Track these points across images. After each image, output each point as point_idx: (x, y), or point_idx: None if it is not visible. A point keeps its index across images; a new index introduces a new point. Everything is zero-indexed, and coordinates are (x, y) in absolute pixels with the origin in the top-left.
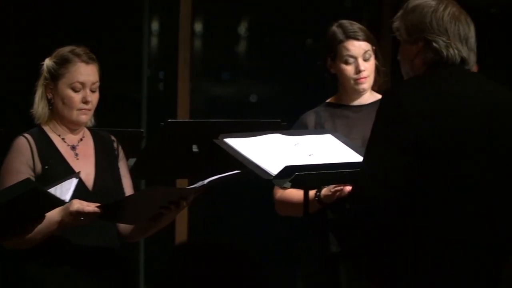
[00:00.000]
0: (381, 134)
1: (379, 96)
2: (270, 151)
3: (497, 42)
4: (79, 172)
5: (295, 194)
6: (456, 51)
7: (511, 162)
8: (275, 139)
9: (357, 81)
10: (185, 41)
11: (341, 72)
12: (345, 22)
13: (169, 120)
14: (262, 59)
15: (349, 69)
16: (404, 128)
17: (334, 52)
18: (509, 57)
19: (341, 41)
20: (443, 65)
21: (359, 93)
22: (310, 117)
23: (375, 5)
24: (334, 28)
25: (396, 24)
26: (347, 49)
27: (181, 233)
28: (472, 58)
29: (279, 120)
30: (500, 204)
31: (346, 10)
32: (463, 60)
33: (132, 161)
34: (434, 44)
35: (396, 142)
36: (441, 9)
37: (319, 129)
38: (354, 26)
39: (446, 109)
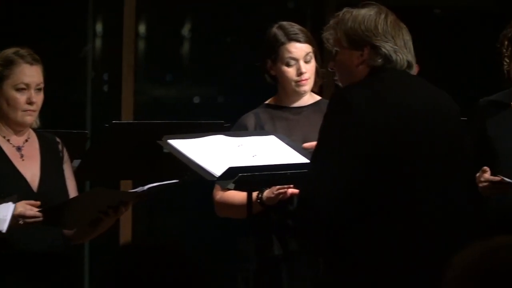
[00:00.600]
0: (331, 138)
1: (318, 98)
2: (213, 152)
3: (440, 42)
4: (15, 197)
5: (236, 196)
6: (403, 56)
7: (455, 163)
8: (218, 140)
9: (298, 83)
10: (129, 43)
11: (282, 74)
12: (285, 23)
13: (113, 121)
14: (206, 61)
15: (291, 71)
16: (356, 133)
17: (275, 54)
18: (452, 56)
19: (283, 43)
20: (388, 70)
21: (300, 95)
22: (249, 119)
23: (318, 6)
24: (275, 29)
25: (328, 34)
26: (289, 51)
27: (126, 235)
28: (414, 63)
29: (222, 121)
30: (446, 204)
31: (290, 11)
32: (409, 64)
33: (77, 162)
34: (383, 50)
35: (347, 147)
36: (383, 16)
37: (262, 131)
38: (295, 28)
39: (394, 113)
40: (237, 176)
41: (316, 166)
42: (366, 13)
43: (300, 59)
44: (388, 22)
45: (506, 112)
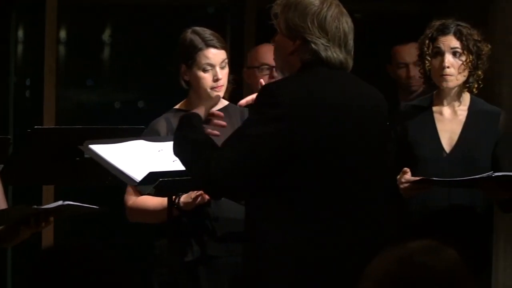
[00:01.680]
0: (253, 126)
1: (226, 103)
2: (134, 157)
3: (360, 47)
4: None
5: (149, 201)
6: (334, 55)
7: (379, 162)
8: (139, 145)
9: (214, 89)
10: (51, 48)
11: (198, 80)
12: (199, 29)
13: (35, 126)
14: (126, 66)
15: (207, 77)
16: (279, 126)
17: (191, 59)
18: (372, 62)
19: (201, 49)
20: (319, 65)
21: (213, 100)
22: (161, 124)
23: (238, 11)
24: (190, 35)
25: (275, 10)
26: (207, 57)
27: (48, 239)
28: (349, 62)
29: (143, 126)
30: (369, 203)
31: (209, 16)
32: (341, 63)
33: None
34: (313, 46)
35: (268, 137)
36: (325, 9)
37: None
38: (210, 34)
39: (320, 109)
40: (158, 181)
41: (229, 145)
42: (309, 4)
43: (217, 65)
44: (328, 16)
45: (426, 117)
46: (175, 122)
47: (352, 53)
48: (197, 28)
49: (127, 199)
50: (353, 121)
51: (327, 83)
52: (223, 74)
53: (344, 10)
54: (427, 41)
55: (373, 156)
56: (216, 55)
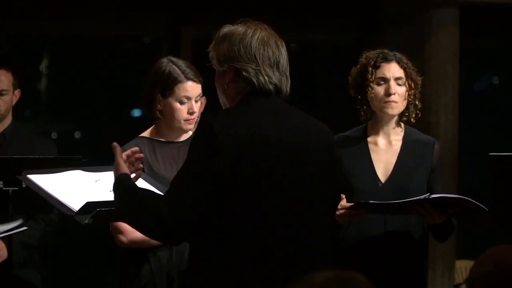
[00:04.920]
0: (193, 164)
1: (191, 133)
2: (72, 187)
3: (296, 75)
4: None
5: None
6: (266, 78)
7: (316, 194)
8: (76, 175)
9: (187, 121)
10: None
11: (173, 111)
12: (176, 60)
13: None
14: (63, 97)
15: (183, 109)
16: (218, 161)
17: (170, 90)
18: (307, 89)
19: (180, 81)
20: (257, 95)
21: (184, 132)
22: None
23: (174, 41)
24: (169, 65)
25: (210, 53)
26: (185, 90)
27: None
28: (284, 83)
29: (80, 156)
30: (309, 233)
31: (146, 46)
32: (276, 87)
33: None
34: (244, 73)
35: (207, 173)
36: (250, 35)
37: None
38: (187, 66)
39: (256, 143)
40: (95, 210)
41: (174, 188)
42: (234, 32)
43: (193, 98)
44: (253, 41)
45: (361, 148)
46: (146, 149)
47: (288, 73)
48: (174, 59)
49: (121, 240)
50: (289, 153)
51: (264, 116)
52: (197, 107)
53: (274, 33)
54: (370, 69)
55: (310, 187)
56: (194, 89)
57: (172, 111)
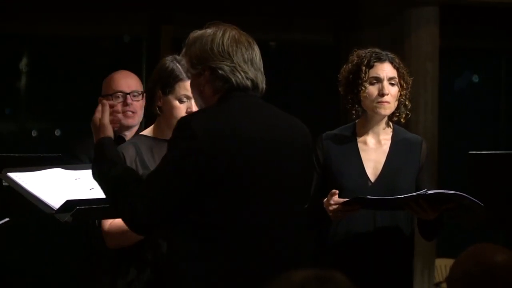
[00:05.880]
0: (170, 162)
1: None
2: (51, 185)
3: (276, 73)
4: None
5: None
6: (242, 74)
7: (293, 193)
8: (56, 173)
9: None
10: None
11: (172, 109)
12: (181, 59)
13: None
14: (43, 95)
15: (181, 108)
16: (194, 160)
17: (170, 88)
18: (288, 86)
19: (181, 80)
20: (234, 92)
21: None
22: (129, 149)
23: (154, 40)
24: (172, 63)
25: (183, 61)
26: (186, 89)
27: None
28: (260, 79)
29: (60, 154)
30: (283, 232)
31: (125, 45)
32: (253, 83)
33: None
34: (220, 71)
35: (183, 172)
36: (220, 34)
37: None
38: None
39: (233, 142)
40: (75, 209)
41: (150, 183)
42: (204, 34)
43: (191, 97)
44: (225, 40)
45: (350, 146)
46: (143, 148)
47: (262, 70)
48: (179, 57)
49: (103, 225)
50: (266, 150)
51: (242, 113)
52: (196, 106)
53: (244, 33)
54: (363, 68)
55: (288, 184)
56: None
57: (171, 108)
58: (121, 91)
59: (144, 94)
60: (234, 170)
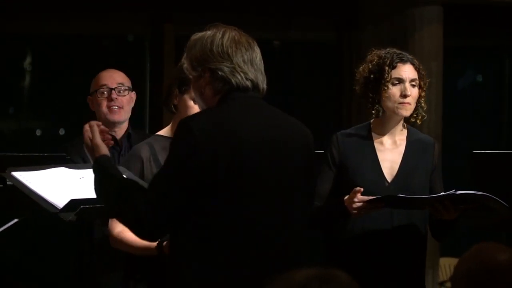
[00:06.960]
0: (171, 163)
1: None
2: (56, 185)
3: (279, 71)
4: None
5: (135, 238)
6: (242, 74)
7: (293, 194)
8: (60, 172)
9: None
10: None
11: (186, 108)
12: None
13: None
14: (46, 94)
15: (196, 108)
16: (195, 160)
17: (185, 86)
18: (291, 86)
19: None
20: (234, 93)
21: None
22: (144, 149)
23: (157, 39)
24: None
25: (184, 64)
26: None
27: None
28: (260, 79)
29: (64, 153)
30: (285, 230)
31: (129, 44)
32: (253, 83)
33: None
34: (219, 73)
35: (184, 173)
36: (220, 36)
37: None
38: None
39: (233, 143)
40: (79, 208)
41: (154, 187)
42: (204, 36)
43: None
44: (224, 41)
45: (366, 146)
46: (158, 148)
47: (263, 70)
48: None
49: (114, 226)
50: (266, 150)
51: (241, 114)
52: None
53: (244, 33)
54: (386, 68)
55: (288, 184)
56: None
57: (185, 108)
58: (105, 85)
59: (133, 91)
60: (235, 171)
